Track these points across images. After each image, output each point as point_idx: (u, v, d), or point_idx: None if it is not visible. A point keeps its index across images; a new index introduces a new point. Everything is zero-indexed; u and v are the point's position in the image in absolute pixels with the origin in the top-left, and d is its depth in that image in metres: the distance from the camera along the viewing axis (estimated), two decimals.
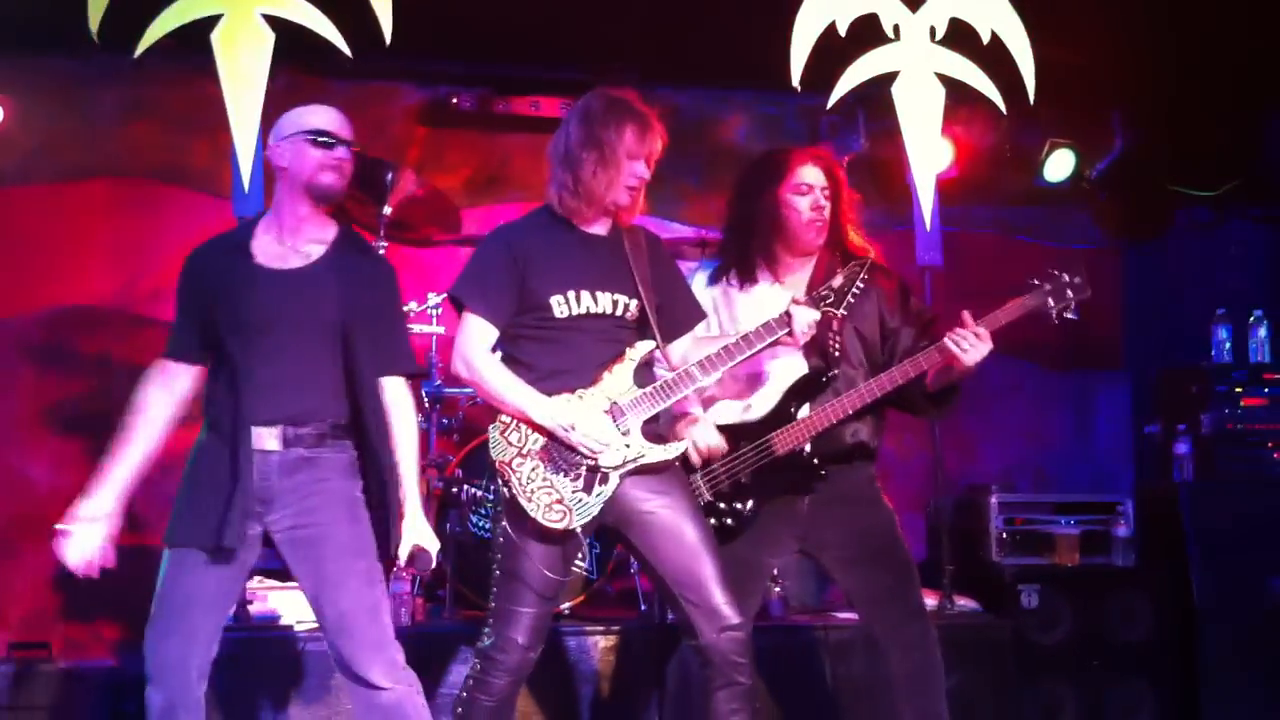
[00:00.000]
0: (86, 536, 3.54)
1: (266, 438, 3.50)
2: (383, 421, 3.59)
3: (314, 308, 3.55)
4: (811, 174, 4.00)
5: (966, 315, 3.84)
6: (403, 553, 3.55)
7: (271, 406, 3.51)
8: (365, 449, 3.58)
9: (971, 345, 3.79)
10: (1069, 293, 3.90)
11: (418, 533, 3.57)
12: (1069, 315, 3.91)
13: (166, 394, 3.63)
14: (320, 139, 3.58)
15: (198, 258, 3.72)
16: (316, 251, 3.63)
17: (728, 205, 4.17)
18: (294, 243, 3.62)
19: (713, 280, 4.09)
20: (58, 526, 3.55)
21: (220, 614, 3.58)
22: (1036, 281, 3.92)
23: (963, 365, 3.82)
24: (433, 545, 3.59)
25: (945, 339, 3.82)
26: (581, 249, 3.72)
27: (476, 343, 3.66)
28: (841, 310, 3.74)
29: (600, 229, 3.76)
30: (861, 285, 3.74)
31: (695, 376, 3.69)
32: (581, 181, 3.64)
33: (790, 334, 3.70)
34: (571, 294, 3.65)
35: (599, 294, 3.68)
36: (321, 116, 3.65)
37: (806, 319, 3.68)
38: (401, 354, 3.71)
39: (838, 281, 3.73)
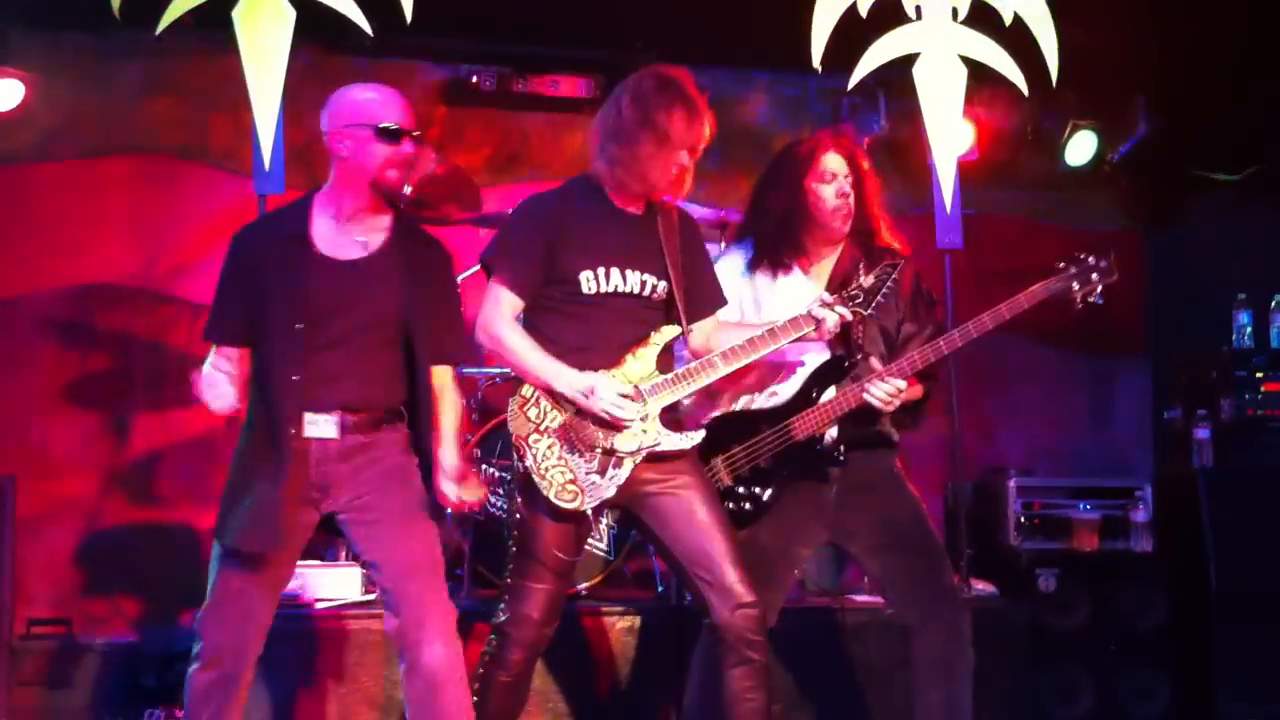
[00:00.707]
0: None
1: (324, 425, 3.49)
2: (431, 406, 3.60)
3: (375, 299, 3.52)
4: (835, 162, 3.99)
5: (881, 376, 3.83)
6: (447, 488, 3.56)
7: (329, 394, 3.49)
8: (415, 431, 3.59)
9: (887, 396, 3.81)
10: (1094, 276, 3.86)
11: (456, 464, 3.59)
12: (1094, 300, 3.87)
13: (234, 373, 3.54)
14: (387, 132, 3.51)
15: (250, 240, 3.65)
16: (376, 240, 3.58)
17: (753, 195, 4.15)
18: (353, 231, 3.57)
19: (748, 269, 4.07)
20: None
21: (274, 598, 3.58)
22: (1061, 264, 3.89)
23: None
24: (474, 479, 3.62)
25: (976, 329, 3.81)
26: (616, 225, 3.69)
27: (502, 311, 3.65)
28: (870, 310, 3.72)
29: (636, 207, 3.74)
30: (892, 286, 3.72)
31: (718, 366, 3.68)
32: (639, 160, 3.60)
33: (817, 330, 3.69)
34: (601, 270, 3.63)
35: (629, 272, 3.66)
36: (388, 108, 3.54)
37: (833, 318, 3.67)
38: (457, 344, 3.71)
39: (868, 281, 3.71)
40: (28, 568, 5.60)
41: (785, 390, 3.98)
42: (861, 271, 3.87)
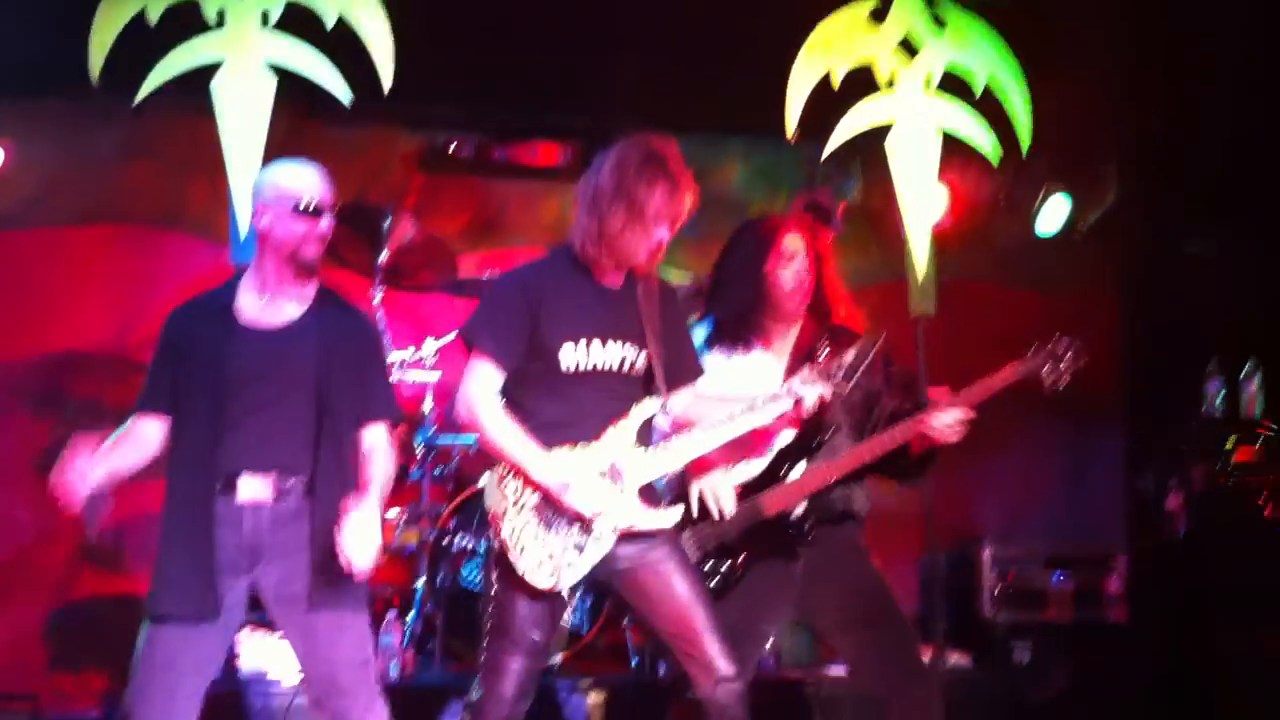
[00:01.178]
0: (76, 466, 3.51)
1: (258, 488, 3.50)
2: (346, 476, 3.56)
3: (293, 364, 3.56)
4: (794, 242, 4.04)
5: (939, 409, 3.85)
6: (345, 539, 3.41)
7: (260, 456, 3.51)
8: (322, 503, 3.53)
9: (950, 426, 3.83)
10: (1063, 363, 3.89)
11: (365, 523, 3.46)
12: (1063, 384, 3.90)
13: (152, 439, 3.61)
14: (305, 209, 3.57)
15: (180, 314, 3.72)
16: (297, 310, 3.64)
17: (713, 272, 4.19)
18: (276, 302, 3.63)
19: (707, 345, 4.09)
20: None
21: (203, 677, 3.52)
22: (1030, 351, 3.92)
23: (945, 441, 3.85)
24: (375, 540, 3.46)
25: (929, 420, 3.83)
26: (595, 298, 3.68)
27: (482, 386, 3.61)
28: (849, 387, 3.72)
29: (615, 279, 3.72)
30: (869, 362, 3.72)
31: (698, 441, 3.67)
32: (606, 234, 3.59)
33: (795, 408, 3.68)
34: (582, 344, 3.61)
35: (609, 344, 3.63)
36: (304, 182, 3.61)
37: (813, 396, 3.67)
38: (380, 401, 3.70)
39: (849, 357, 3.69)
40: None
41: (750, 464, 3.98)
42: (825, 348, 3.88)
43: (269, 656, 4.75)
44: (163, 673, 3.45)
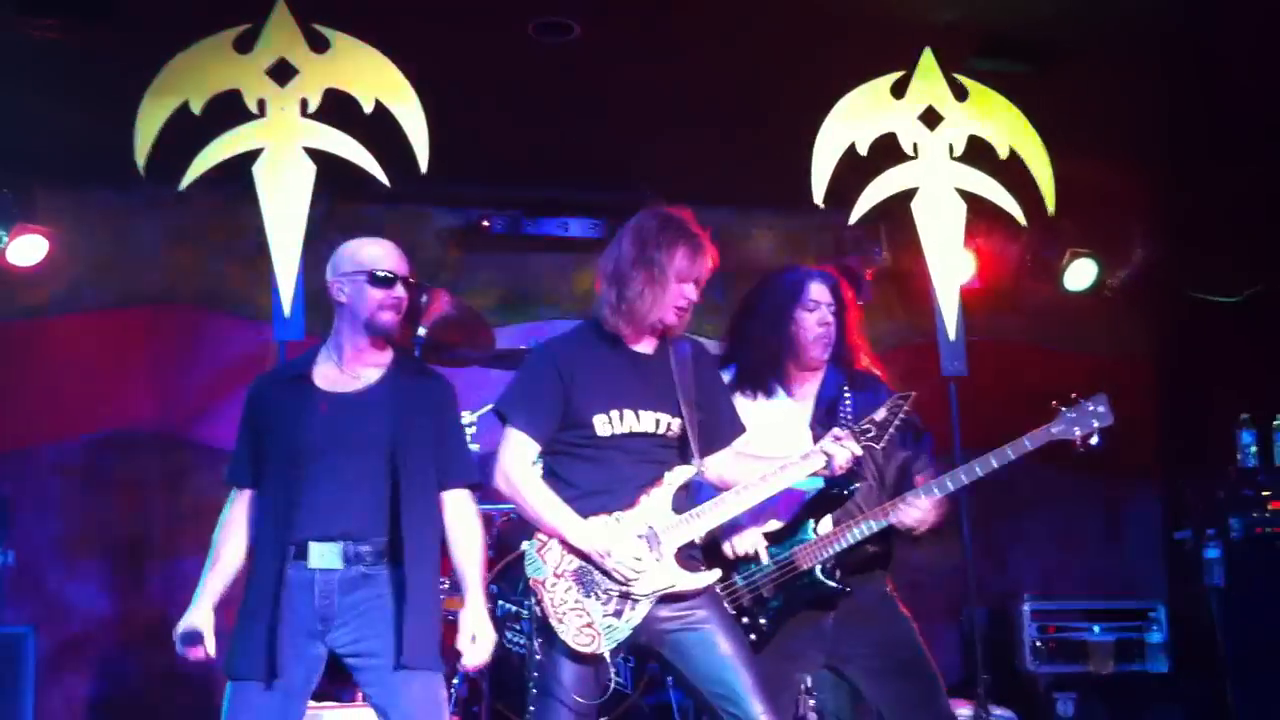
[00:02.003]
0: (193, 618, 3.65)
1: (329, 555, 3.60)
2: (425, 538, 3.66)
3: (367, 428, 3.66)
4: (818, 291, 4.14)
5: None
6: (462, 638, 3.62)
7: (331, 524, 3.61)
8: (405, 565, 3.63)
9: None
10: (1093, 421, 3.95)
11: (474, 621, 3.64)
12: (1093, 443, 3.95)
13: (245, 515, 3.74)
14: (380, 278, 3.73)
15: (261, 383, 3.87)
16: (374, 376, 3.76)
17: (738, 318, 4.28)
18: (352, 370, 3.76)
19: (730, 390, 4.12)
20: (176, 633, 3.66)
21: None
22: (1061, 408, 3.97)
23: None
24: (487, 635, 3.65)
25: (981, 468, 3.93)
26: (627, 367, 3.76)
27: (518, 458, 3.70)
28: (882, 445, 3.80)
29: (647, 346, 3.80)
30: (902, 419, 3.80)
31: (730, 504, 3.73)
32: (626, 300, 3.69)
33: (828, 466, 3.74)
34: (615, 413, 3.69)
35: (642, 413, 3.71)
36: (382, 255, 3.79)
37: (844, 455, 3.73)
38: (458, 466, 3.79)
39: (880, 415, 3.78)
40: (44, 716, 5.61)
41: (779, 517, 4.03)
42: (849, 398, 3.98)
43: None
44: None
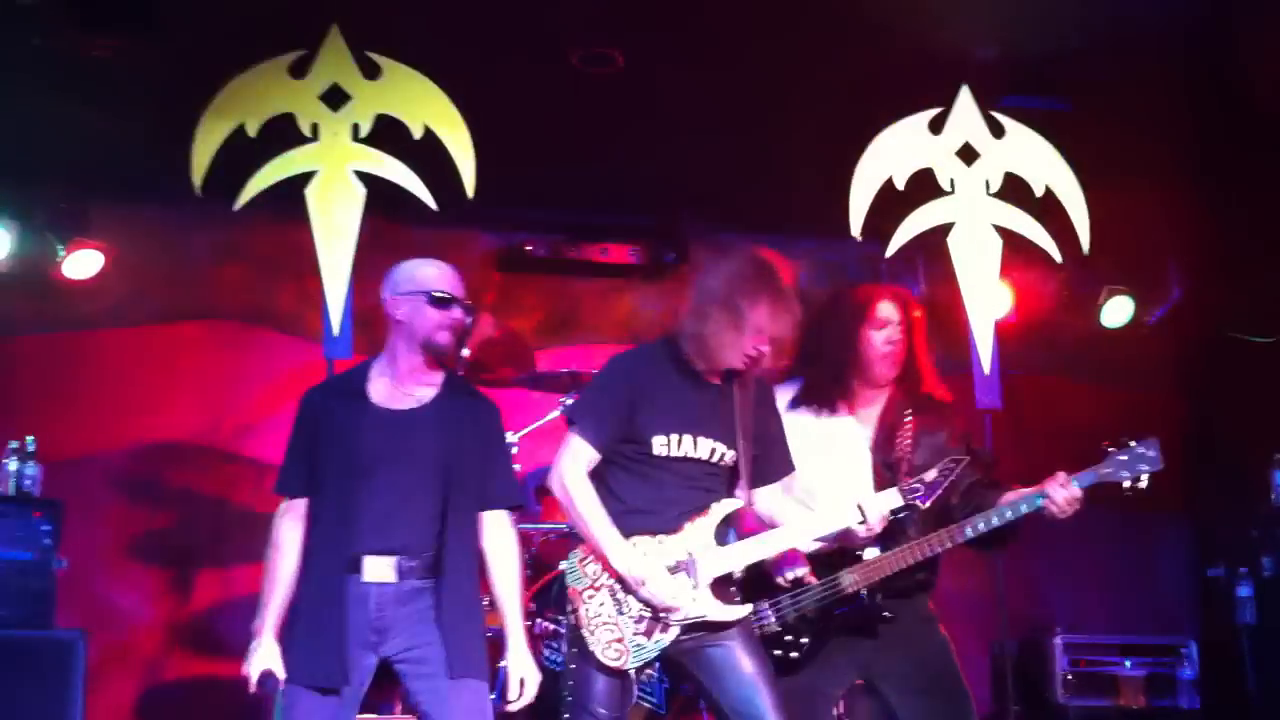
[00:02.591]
0: (264, 657, 3.67)
1: (383, 569, 3.68)
2: (470, 553, 3.76)
3: (420, 445, 3.75)
4: (888, 309, 4.17)
5: (1062, 484, 3.91)
6: (511, 685, 3.72)
7: (385, 538, 3.69)
8: (451, 577, 3.72)
9: (1068, 506, 3.91)
10: (1142, 465, 3.93)
11: (521, 665, 3.74)
12: (1140, 485, 3.95)
13: (297, 526, 3.79)
14: (438, 299, 3.82)
15: (316, 394, 3.95)
16: (426, 395, 3.85)
17: (805, 334, 4.21)
18: (406, 388, 3.84)
19: (793, 405, 4.20)
20: (245, 666, 3.68)
21: None
22: (1111, 450, 3.95)
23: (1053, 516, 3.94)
24: (534, 677, 3.75)
25: (1046, 503, 3.91)
26: (694, 393, 3.82)
27: (576, 462, 3.78)
28: (926, 505, 3.84)
29: (715, 375, 3.85)
30: (952, 480, 3.84)
31: (769, 543, 3.80)
32: (702, 337, 3.76)
33: (864, 523, 3.78)
34: (675, 436, 3.77)
35: (700, 440, 3.78)
36: (440, 276, 3.87)
37: (878, 513, 3.78)
38: (502, 487, 3.88)
39: (930, 476, 3.83)
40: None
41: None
42: (910, 422, 4.03)
43: None
44: None
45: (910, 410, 4.14)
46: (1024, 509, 3.94)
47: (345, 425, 3.77)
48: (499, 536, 3.83)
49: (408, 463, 3.74)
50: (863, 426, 4.17)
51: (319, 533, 3.74)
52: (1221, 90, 5.52)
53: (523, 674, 3.74)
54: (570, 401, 3.95)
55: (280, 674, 3.64)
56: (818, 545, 4.03)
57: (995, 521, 3.96)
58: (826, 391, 4.17)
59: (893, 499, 3.82)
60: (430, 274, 3.88)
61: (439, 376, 3.88)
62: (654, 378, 3.82)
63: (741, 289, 3.74)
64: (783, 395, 4.20)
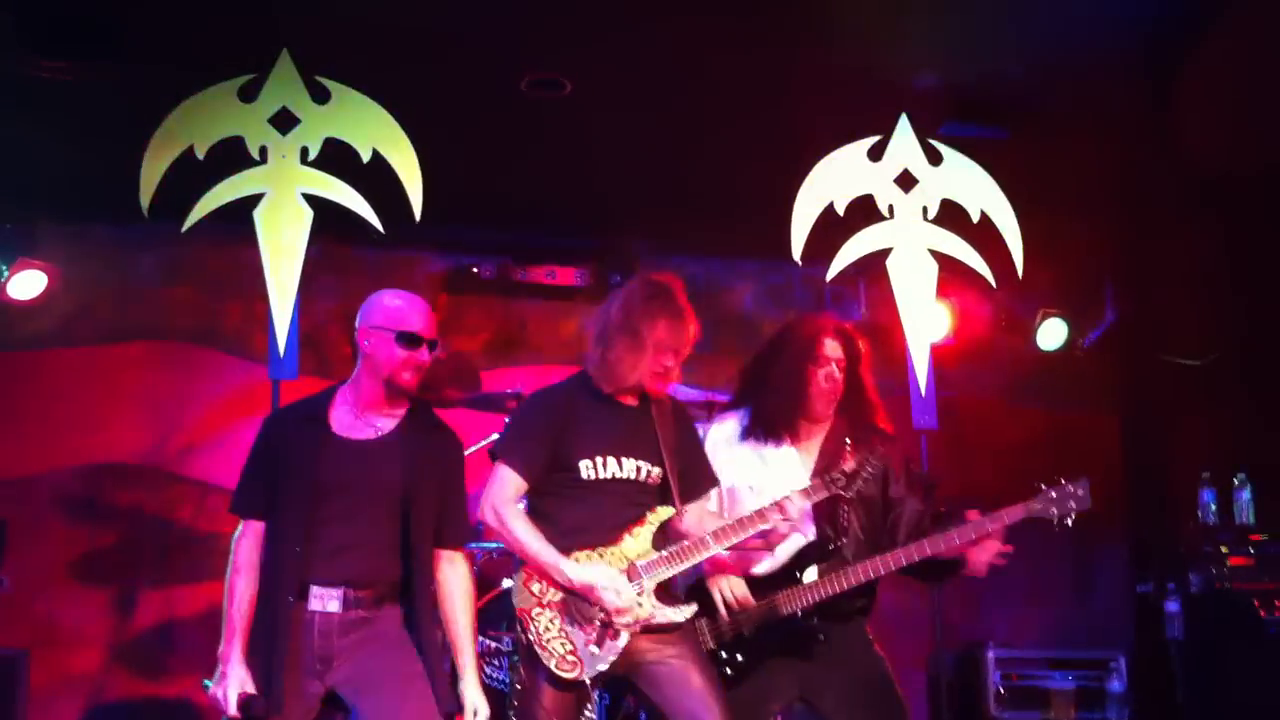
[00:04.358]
0: (237, 680, 3.64)
1: (328, 599, 3.70)
2: (427, 584, 3.78)
3: (379, 476, 3.77)
4: (833, 348, 4.28)
5: (975, 525, 4.08)
6: (466, 715, 3.72)
7: (334, 568, 3.71)
8: (412, 609, 3.76)
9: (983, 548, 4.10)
10: (1071, 504, 4.10)
11: (475, 697, 3.75)
12: (1067, 523, 4.11)
13: (257, 548, 3.78)
14: (404, 338, 3.80)
15: (276, 420, 3.95)
16: (388, 425, 3.86)
17: (752, 367, 4.41)
18: (367, 417, 3.85)
19: (741, 438, 4.32)
20: (207, 684, 3.68)
21: None
22: (1043, 487, 4.11)
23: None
24: (486, 711, 3.76)
25: (960, 537, 4.06)
26: (612, 417, 3.97)
27: (506, 494, 3.90)
28: (851, 494, 3.99)
29: (631, 399, 4.02)
30: (871, 471, 3.98)
31: (709, 544, 3.91)
32: (607, 362, 3.93)
33: (785, 520, 3.91)
34: (599, 459, 3.91)
35: (624, 460, 3.93)
36: (409, 314, 3.84)
37: (798, 509, 3.91)
38: (461, 527, 3.91)
39: (850, 466, 3.96)
40: None
41: (766, 563, 4.19)
42: (847, 453, 4.11)
43: None
44: None
45: (850, 439, 4.23)
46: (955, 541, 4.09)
47: (304, 452, 3.77)
48: (456, 574, 3.85)
49: (364, 493, 3.75)
50: (805, 456, 4.28)
51: (271, 558, 3.74)
52: (1152, 117, 5.68)
53: (476, 705, 3.75)
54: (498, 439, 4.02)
55: (254, 693, 3.61)
56: (765, 567, 4.15)
57: (928, 550, 4.07)
58: (773, 425, 4.29)
59: (816, 490, 3.95)
60: (401, 311, 3.85)
61: (402, 407, 3.89)
62: (573, 406, 3.96)
63: (638, 310, 3.92)
64: (728, 427, 4.32)
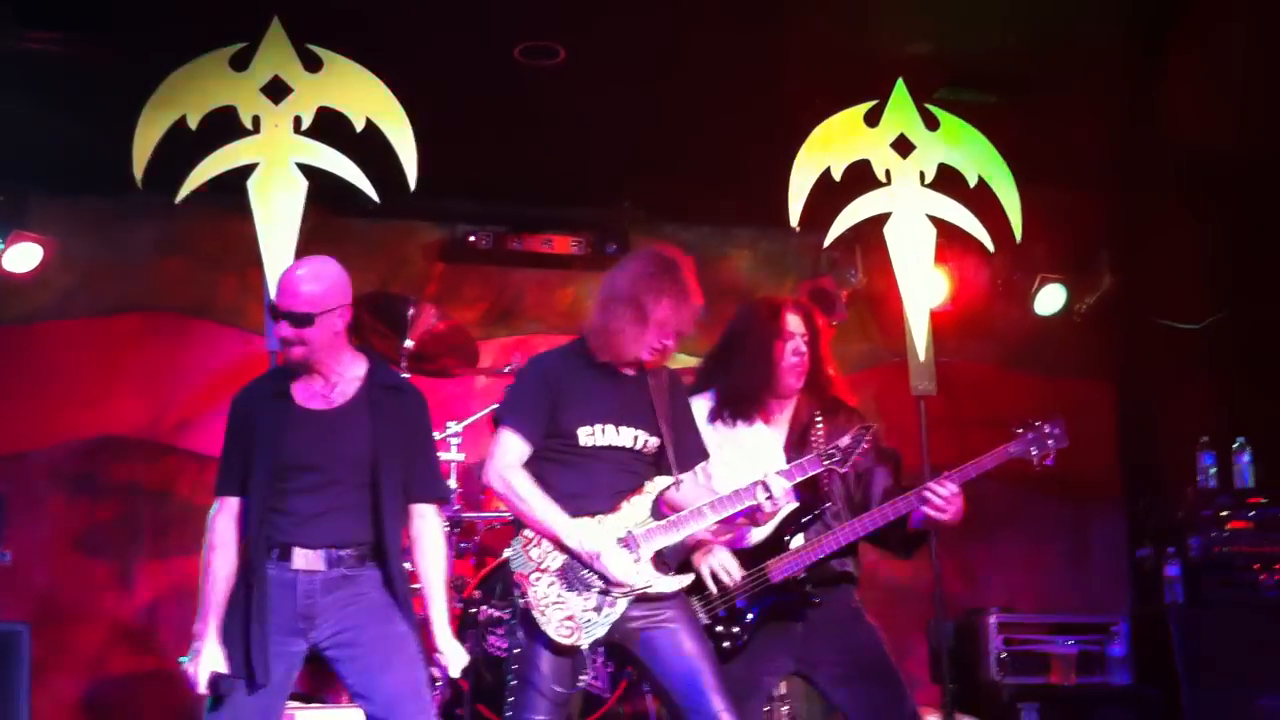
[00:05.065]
0: (210, 659, 3.66)
1: (312, 560, 3.73)
2: (398, 542, 3.80)
3: (346, 446, 3.79)
4: (794, 322, 4.28)
5: (940, 484, 4.07)
6: (443, 660, 3.77)
7: (315, 535, 3.74)
8: (387, 568, 3.79)
9: (946, 502, 4.06)
10: (1049, 442, 4.14)
11: (448, 646, 3.80)
12: (1047, 463, 4.14)
13: (233, 525, 3.80)
14: (272, 311, 3.80)
15: (243, 397, 3.95)
16: (349, 390, 3.87)
17: (720, 350, 4.40)
18: (328, 383, 3.86)
19: (711, 418, 4.31)
20: (183, 660, 3.68)
21: None
22: (1019, 430, 4.16)
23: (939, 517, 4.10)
24: (461, 657, 3.81)
25: (925, 492, 4.06)
26: (610, 385, 3.96)
27: (510, 459, 3.89)
28: (845, 468, 4.00)
29: (629, 368, 4.00)
30: (865, 445, 3.99)
31: (706, 515, 3.91)
32: (608, 332, 3.91)
33: (770, 499, 3.90)
34: (598, 426, 3.90)
35: (621, 428, 3.92)
36: (276, 285, 3.84)
37: (781, 488, 3.90)
38: (430, 481, 3.94)
39: (845, 441, 3.98)
40: (34, 715, 5.70)
41: (755, 532, 4.20)
42: (821, 424, 4.17)
43: None
44: None
45: (819, 412, 4.27)
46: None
47: (271, 427, 3.79)
48: (427, 529, 3.89)
49: (332, 463, 3.77)
50: (776, 431, 4.28)
51: (250, 530, 3.75)
52: (1145, 81, 5.66)
53: (446, 648, 3.79)
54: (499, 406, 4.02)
55: (228, 673, 3.64)
56: (755, 537, 4.16)
57: (915, 503, 4.08)
58: (740, 405, 4.28)
59: (811, 465, 3.96)
60: (275, 282, 3.85)
61: (361, 368, 3.90)
62: (572, 373, 3.95)
63: (645, 286, 3.88)
64: (697, 408, 4.29)
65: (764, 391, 4.27)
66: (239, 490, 3.81)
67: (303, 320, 3.76)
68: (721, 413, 4.30)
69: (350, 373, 3.89)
